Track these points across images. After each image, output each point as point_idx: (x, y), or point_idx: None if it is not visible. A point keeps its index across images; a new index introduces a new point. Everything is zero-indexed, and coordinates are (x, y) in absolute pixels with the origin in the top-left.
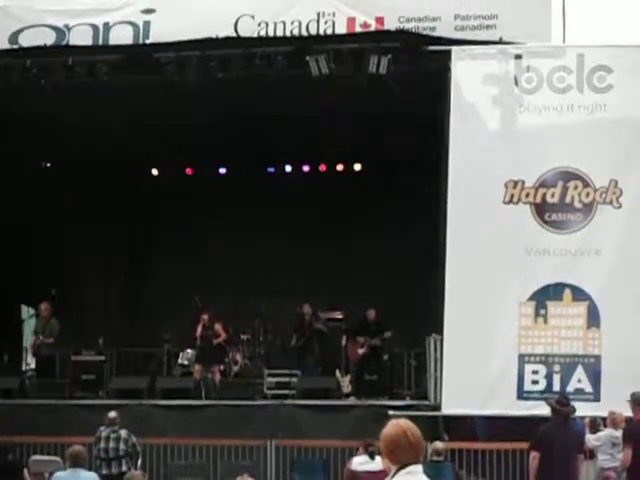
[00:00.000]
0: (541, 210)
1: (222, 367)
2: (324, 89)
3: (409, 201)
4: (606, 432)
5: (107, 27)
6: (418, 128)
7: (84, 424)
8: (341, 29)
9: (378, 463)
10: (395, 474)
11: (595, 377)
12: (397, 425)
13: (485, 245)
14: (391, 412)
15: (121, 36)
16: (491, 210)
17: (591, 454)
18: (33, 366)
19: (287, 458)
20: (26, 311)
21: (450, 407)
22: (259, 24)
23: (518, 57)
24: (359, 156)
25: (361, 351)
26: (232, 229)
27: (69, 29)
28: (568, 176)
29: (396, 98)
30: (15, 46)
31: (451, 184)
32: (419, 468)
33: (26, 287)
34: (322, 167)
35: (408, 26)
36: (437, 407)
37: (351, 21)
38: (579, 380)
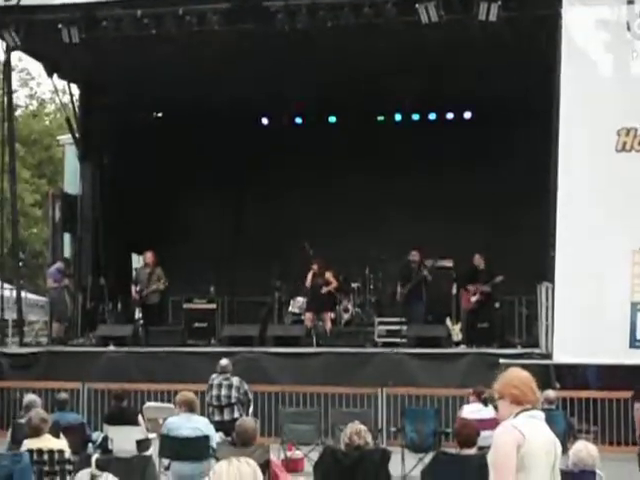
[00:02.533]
0: None
1: (333, 315)
2: (433, 37)
3: (520, 149)
4: None
5: None
6: (528, 75)
7: (196, 371)
8: None
9: (490, 411)
10: (517, 415)
11: None
12: (521, 370)
13: (597, 193)
14: (502, 360)
15: None
16: (603, 158)
17: None
18: (139, 315)
19: (398, 406)
20: (136, 260)
21: (561, 355)
22: None
23: (630, 2)
24: (469, 104)
25: (473, 299)
26: (341, 178)
27: None
28: None
29: (506, 45)
30: None
31: (562, 132)
32: (541, 414)
33: (137, 236)
34: (431, 116)
35: None
36: (548, 355)
37: None
38: None
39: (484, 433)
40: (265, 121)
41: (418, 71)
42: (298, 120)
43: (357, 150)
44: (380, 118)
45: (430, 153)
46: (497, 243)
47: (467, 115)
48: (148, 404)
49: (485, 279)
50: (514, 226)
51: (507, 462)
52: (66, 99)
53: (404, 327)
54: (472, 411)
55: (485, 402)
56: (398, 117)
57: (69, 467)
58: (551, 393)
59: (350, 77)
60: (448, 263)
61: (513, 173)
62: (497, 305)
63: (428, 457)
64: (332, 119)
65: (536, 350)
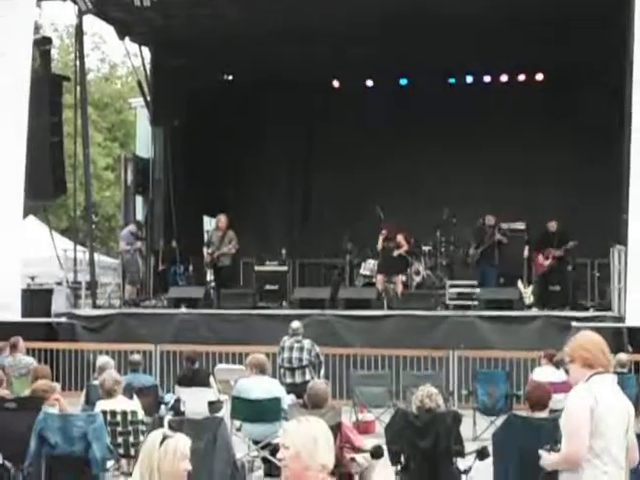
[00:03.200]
0: None
1: (404, 278)
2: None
3: (592, 113)
4: None
5: None
6: (603, 38)
7: (267, 334)
8: None
9: (562, 374)
10: (589, 379)
11: None
12: (593, 333)
13: None
14: (574, 323)
15: None
16: None
17: None
18: (211, 277)
19: (469, 369)
20: (208, 222)
21: (634, 319)
22: None
23: None
24: (541, 66)
25: (546, 262)
26: (411, 140)
27: None
28: None
29: (580, 6)
30: None
31: (635, 98)
32: (614, 378)
33: (208, 199)
34: (503, 77)
35: None
36: (621, 318)
37: None
38: None
39: (556, 396)
40: (336, 84)
41: (490, 30)
42: (369, 83)
43: (428, 113)
44: (451, 80)
45: (502, 116)
46: (570, 206)
47: (539, 77)
48: (219, 366)
49: (558, 243)
50: (587, 189)
51: (580, 427)
52: (137, 62)
53: (476, 290)
54: (544, 374)
55: (557, 365)
56: (469, 79)
57: (142, 428)
58: (623, 356)
59: (421, 38)
60: (520, 226)
61: (587, 137)
62: (570, 268)
63: (499, 420)
64: (403, 81)
65: (609, 313)
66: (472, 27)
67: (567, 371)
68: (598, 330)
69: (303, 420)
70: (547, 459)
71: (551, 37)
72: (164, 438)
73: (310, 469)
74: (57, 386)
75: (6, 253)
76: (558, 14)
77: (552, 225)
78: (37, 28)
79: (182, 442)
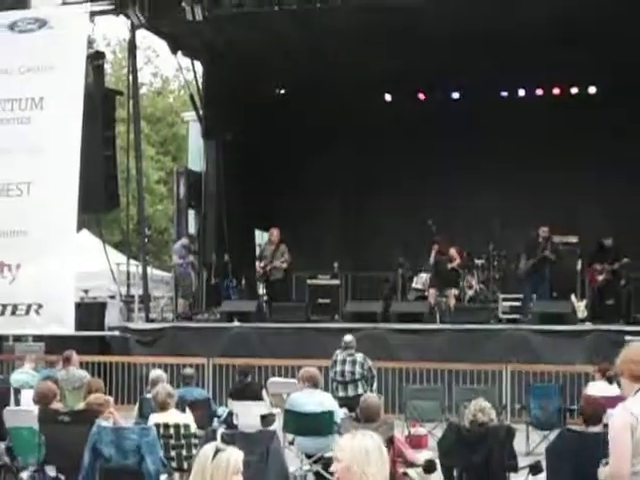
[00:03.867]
0: None
1: (457, 291)
2: (559, 8)
3: None
4: None
5: None
6: None
7: (320, 347)
8: None
9: (616, 389)
10: (637, 392)
11: None
12: None
13: None
14: (628, 338)
15: None
16: None
17: None
18: (263, 291)
19: (522, 383)
20: (259, 236)
21: None
22: None
23: None
24: (594, 79)
25: (601, 277)
26: (465, 153)
27: None
28: None
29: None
30: None
31: None
32: None
33: (260, 213)
34: (555, 90)
35: None
36: None
37: None
38: None
39: (610, 411)
40: (388, 97)
41: (541, 43)
42: (421, 96)
43: (480, 126)
44: (503, 94)
45: (557, 128)
46: (626, 220)
47: (592, 90)
48: (272, 379)
49: (612, 258)
50: None
51: (620, 447)
52: (189, 76)
53: (529, 303)
54: (597, 388)
55: (610, 380)
56: (521, 92)
57: (195, 441)
58: None
59: (473, 50)
60: (573, 239)
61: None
62: (623, 282)
63: (553, 434)
64: (455, 95)
65: None
66: (523, 42)
67: (619, 384)
68: None
69: (357, 434)
70: (601, 473)
71: (605, 52)
72: (217, 451)
73: None
74: (110, 399)
75: (61, 267)
76: (611, 31)
77: (607, 240)
78: (90, 43)
79: (235, 455)
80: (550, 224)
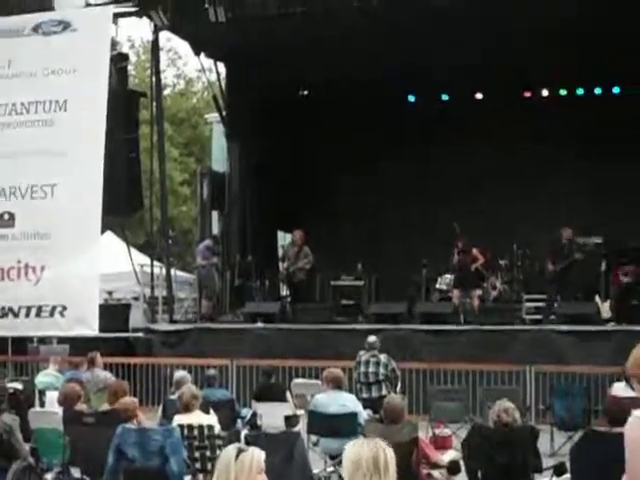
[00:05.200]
0: None
1: (480, 292)
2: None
3: None
4: None
5: None
6: None
7: (344, 348)
8: None
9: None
10: None
11: None
12: None
13: None
14: None
15: None
16: None
17: None
18: (287, 292)
19: (547, 383)
20: (282, 237)
21: None
22: None
23: None
24: (617, 79)
25: (625, 279)
26: (488, 153)
27: None
28: None
29: None
30: None
31: None
32: None
33: (283, 214)
34: (579, 91)
35: None
36: None
37: None
38: None
39: (635, 412)
40: (411, 99)
41: (566, 43)
42: (444, 97)
43: (505, 126)
44: (527, 94)
45: (579, 129)
46: None
47: (615, 90)
48: (296, 380)
49: (637, 259)
50: None
51: (632, 459)
52: (213, 78)
53: (554, 304)
54: (622, 389)
55: (628, 380)
56: (545, 92)
57: (219, 442)
58: None
59: (497, 53)
60: (597, 239)
61: None
62: None
63: (577, 435)
64: (479, 96)
65: None
66: (549, 41)
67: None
68: None
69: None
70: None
71: (628, 51)
72: (239, 452)
73: None
74: (136, 401)
75: (85, 269)
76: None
77: (633, 242)
78: (114, 44)
79: (257, 455)
80: (574, 225)
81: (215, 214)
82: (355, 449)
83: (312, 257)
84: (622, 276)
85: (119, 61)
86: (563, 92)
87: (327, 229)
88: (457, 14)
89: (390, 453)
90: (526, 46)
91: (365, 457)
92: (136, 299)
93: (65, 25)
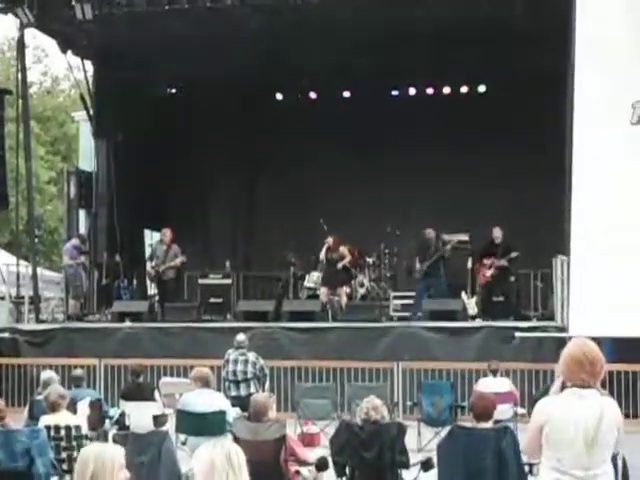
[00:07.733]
0: None
1: (348, 290)
2: (443, 7)
3: (534, 122)
4: None
5: None
6: (543, 47)
7: (212, 347)
8: None
9: (504, 384)
10: (562, 391)
11: None
12: (577, 345)
13: (612, 166)
14: (517, 334)
15: None
16: (618, 131)
17: None
18: (154, 291)
19: (414, 380)
20: (149, 236)
21: (577, 328)
22: None
23: None
24: (483, 77)
25: (488, 273)
26: (356, 152)
27: None
28: None
29: (520, 15)
30: None
31: (577, 104)
32: (585, 392)
33: (151, 213)
34: (446, 89)
35: None
36: (564, 328)
37: None
38: None
39: (500, 407)
40: (279, 96)
41: (429, 43)
42: (312, 95)
43: (372, 124)
44: (394, 92)
45: (446, 126)
46: (514, 216)
47: (481, 89)
48: (164, 379)
49: (501, 253)
50: (531, 199)
51: (530, 441)
52: (80, 76)
53: (421, 301)
54: (488, 384)
55: (494, 374)
56: (412, 91)
57: (86, 443)
58: None
59: (363, 51)
60: (464, 237)
61: (531, 147)
62: (512, 279)
63: (444, 431)
64: (346, 94)
65: (551, 323)
66: (412, 42)
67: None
68: (541, 340)
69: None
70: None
71: (494, 50)
72: (98, 450)
73: None
74: (2, 403)
75: None
76: (499, 30)
77: (498, 234)
78: None
79: (117, 452)
80: (441, 221)
81: (82, 213)
82: (207, 450)
83: (183, 256)
84: (486, 270)
85: None
86: (430, 91)
87: (195, 227)
88: (328, 13)
89: (240, 452)
90: (393, 46)
91: (219, 457)
92: (1, 298)
93: None
